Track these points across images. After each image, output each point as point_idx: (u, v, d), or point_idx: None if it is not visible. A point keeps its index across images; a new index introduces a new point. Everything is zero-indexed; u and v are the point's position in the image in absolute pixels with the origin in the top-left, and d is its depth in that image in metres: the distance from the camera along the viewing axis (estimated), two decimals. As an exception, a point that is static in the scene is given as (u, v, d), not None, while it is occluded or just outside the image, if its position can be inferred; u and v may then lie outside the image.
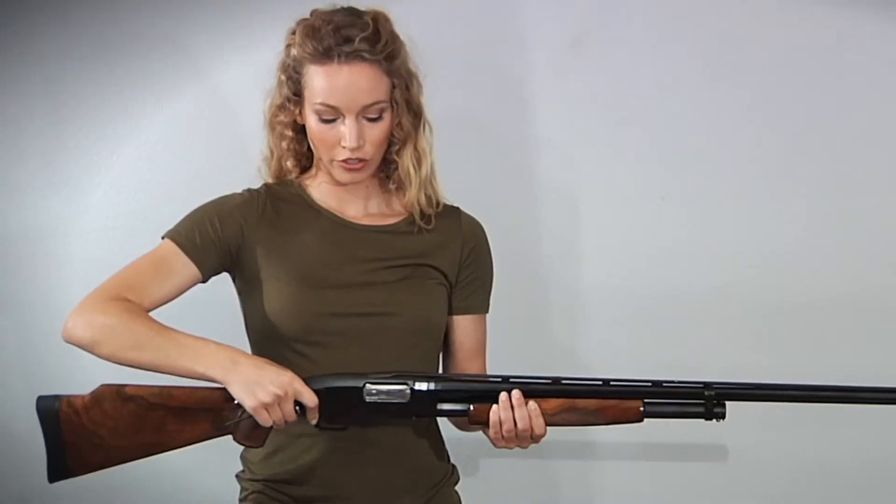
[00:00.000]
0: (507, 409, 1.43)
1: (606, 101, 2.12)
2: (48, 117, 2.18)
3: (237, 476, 1.63)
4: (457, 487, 1.67)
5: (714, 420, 1.44)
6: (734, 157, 2.10)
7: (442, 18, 2.09)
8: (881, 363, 2.06)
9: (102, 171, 2.19)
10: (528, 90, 2.13)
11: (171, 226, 1.57)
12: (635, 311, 2.13)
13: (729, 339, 2.11)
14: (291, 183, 1.61)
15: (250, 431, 1.45)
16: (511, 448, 1.47)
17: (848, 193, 2.09)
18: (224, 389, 1.43)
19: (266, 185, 1.61)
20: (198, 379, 1.42)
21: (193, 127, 2.18)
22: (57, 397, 1.44)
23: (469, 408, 1.46)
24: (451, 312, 1.62)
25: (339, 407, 1.45)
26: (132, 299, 1.46)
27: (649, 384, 1.45)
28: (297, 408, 1.43)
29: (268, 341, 1.53)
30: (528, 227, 2.16)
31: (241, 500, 1.62)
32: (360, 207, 1.60)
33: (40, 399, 1.45)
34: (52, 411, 1.44)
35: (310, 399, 1.42)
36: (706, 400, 1.43)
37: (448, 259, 1.60)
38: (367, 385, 1.45)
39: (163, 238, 1.54)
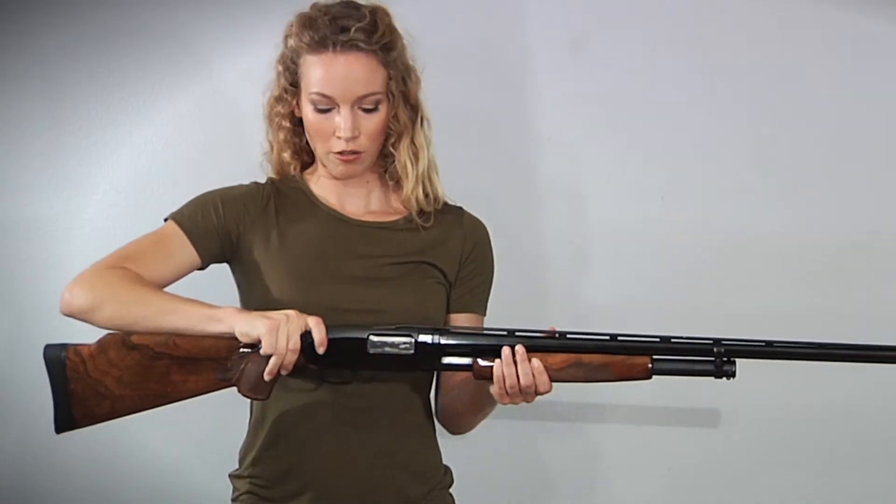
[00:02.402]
0: (510, 365, 1.42)
1: (607, 99, 2.12)
2: (48, 117, 2.18)
3: (230, 475, 1.63)
4: (451, 490, 1.67)
5: (724, 378, 1.42)
6: (734, 157, 2.10)
7: (443, 16, 2.09)
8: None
9: (102, 171, 2.19)
10: (529, 88, 2.13)
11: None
12: (636, 310, 2.12)
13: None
14: (294, 178, 1.61)
15: (255, 382, 1.43)
16: (517, 403, 1.45)
17: (849, 194, 2.09)
18: (229, 339, 1.42)
19: (270, 180, 1.62)
20: (203, 332, 1.41)
21: (194, 127, 2.18)
22: (64, 346, 1.44)
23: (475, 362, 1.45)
24: (448, 311, 1.61)
25: (343, 358, 1.44)
26: (132, 269, 1.46)
27: (658, 339, 1.43)
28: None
29: None
30: (527, 226, 2.15)
31: (233, 500, 1.61)
32: (361, 204, 1.59)
33: (48, 347, 1.44)
34: (58, 359, 1.43)
35: (316, 322, 1.40)
36: (716, 356, 1.41)
37: (448, 257, 1.60)
38: (371, 336, 1.45)
39: (165, 220, 1.55)
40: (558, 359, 1.43)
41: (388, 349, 1.44)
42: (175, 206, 1.60)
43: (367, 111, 1.50)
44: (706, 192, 2.12)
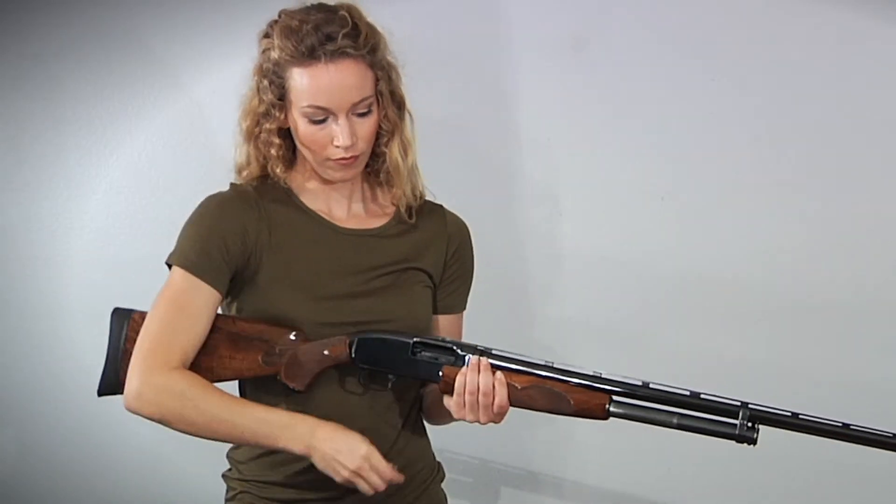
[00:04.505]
0: (473, 372, 1.44)
1: (606, 100, 2.12)
2: (48, 117, 2.18)
3: (224, 476, 1.62)
4: (443, 485, 1.68)
5: (745, 444, 1.41)
6: (734, 157, 2.09)
7: (439, 20, 2.09)
8: (880, 364, 2.06)
9: (102, 171, 2.19)
10: (529, 90, 2.12)
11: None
12: (632, 311, 2.12)
13: (727, 341, 2.10)
14: (276, 184, 1.56)
15: (293, 370, 1.47)
16: (470, 421, 1.46)
17: (848, 193, 2.08)
18: (282, 327, 1.47)
19: (253, 187, 1.56)
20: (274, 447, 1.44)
21: (194, 126, 2.18)
22: (132, 310, 1.50)
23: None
24: (433, 311, 1.62)
25: (385, 359, 1.47)
26: (183, 363, 1.44)
27: (687, 394, 1.43)
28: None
29: None
30: (520, 228, 2.16)
31: (227, 501, 1.61)
32: (346, 207, 1.58)
33: (116, 309, 1.50)
34: (122, 318, 1.50)
35: (386, 471, 1.43)
36: (741, 419, 1.40)
37: (433, 259, 1.60)
38: (416, 342, 1.48)
39: (169, 265, 1.49)
40: (522, 378, 1.46)
41: (430, 357, 1.47)
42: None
43: (361, 116, 1.48)
44: (706, 194, 2.11)
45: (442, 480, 1.67)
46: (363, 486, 1.43)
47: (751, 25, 2.06)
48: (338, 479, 1.42)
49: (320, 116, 1.46)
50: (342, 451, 1.42)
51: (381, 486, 1.43)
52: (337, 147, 1.47)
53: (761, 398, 1.46)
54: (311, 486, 1.53)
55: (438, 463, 1.67)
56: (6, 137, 2.20)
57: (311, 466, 1.51)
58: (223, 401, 1.44)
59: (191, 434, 1.44)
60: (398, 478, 1.45)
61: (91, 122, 2.18)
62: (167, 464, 2.20)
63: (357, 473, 1.42)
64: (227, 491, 1.60)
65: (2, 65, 2.17)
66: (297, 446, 1.42)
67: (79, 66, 2.17)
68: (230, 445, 1.61)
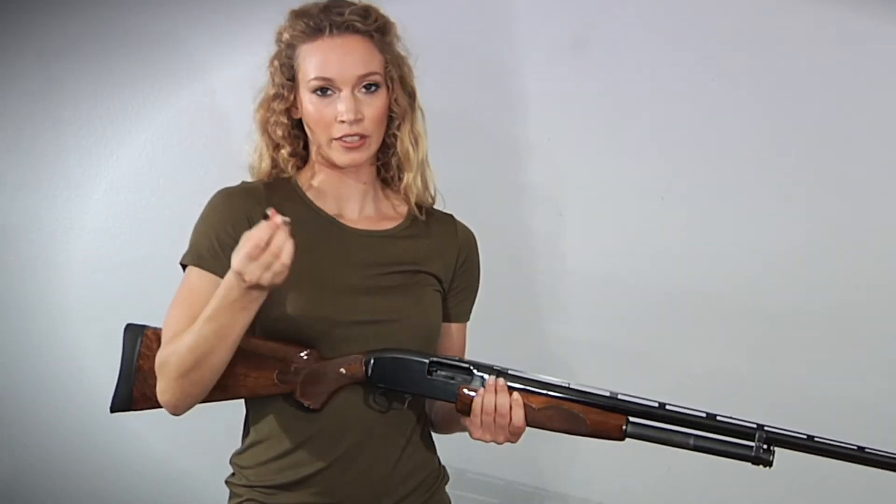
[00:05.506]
0: (490, 393, 1.45)
1: (606, 100, 2.12)
2: (48, 117, 2.19)
3: (227, 482, 1.60)
4: (447, 488, 1.67)
5: (760, 466, 1.43)
6: (734, 157, 2.10)
7: (439, 20, 2.09)
8: (880, 368, 2.06)
9: (102, 171, 2.19)
10: (528, 90, 2.13)
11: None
12: (632, 312, 2.12)
13: (726, 341, 2.10)
14: (288, 181, 1.58)
15: (309, 389, 1.47)
16: (487, 441, 1.47)
17: (848, 193, 2.08)
18: (297, 346, 1.46)
19: (263, 184, 1.57)
20: (248, 322, 1.38)
21: (193, 127, 2.18)
22: (144, 326, 1.49)
23: None
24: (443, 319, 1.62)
25: (401, 379, 1.47)
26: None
27: (703, 415, 1.45)
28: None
29: None
30: (520, 228, 2.16)
31: (230, 506, 1.60)
32: (357, 209, 1.58)
33: (129, 325, 1.50)
34: (134, 336, 1.49)
35: (266, 227, 1.33)
36: (757, 441, 1.42)
37: (444, 265, 1.60)
38: (432, 361, 1.48)
39: (183, 265, 1.50)
40: (539, 399, 1.46)
41: (446, 377, 1.48)
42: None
43: (368, 93, 1.49)
44: (706, 194, 2.11)
45: (446, 483, 1.66)
46: (273, 268, 1.32)
47: (751, 25, 2.07)
48: (269, 279, 1.32)
49: (326, 86, 1.48)
50: (241, 261, 1.32)
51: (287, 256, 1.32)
52: (342, 122, 1.47)
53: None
54: (320, 490, 1.52)
55: (443, 467, 1.67)
56: (6, 137, 2.20)
57: (320, 470, 1.51)
58: (186, 333, 1.40)
59: (207, 381, 1.41)
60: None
61: (91, 122, 2.18)
62: (167, 465, 2.20)
63: (256, 257, 1.32)
64: (231, 497, 1.58)
65: (2, 65, 2.17)
66: (246, 301, 1.35)
67: (79, 66, 2.17)
68: (233, 450, 1.60)
